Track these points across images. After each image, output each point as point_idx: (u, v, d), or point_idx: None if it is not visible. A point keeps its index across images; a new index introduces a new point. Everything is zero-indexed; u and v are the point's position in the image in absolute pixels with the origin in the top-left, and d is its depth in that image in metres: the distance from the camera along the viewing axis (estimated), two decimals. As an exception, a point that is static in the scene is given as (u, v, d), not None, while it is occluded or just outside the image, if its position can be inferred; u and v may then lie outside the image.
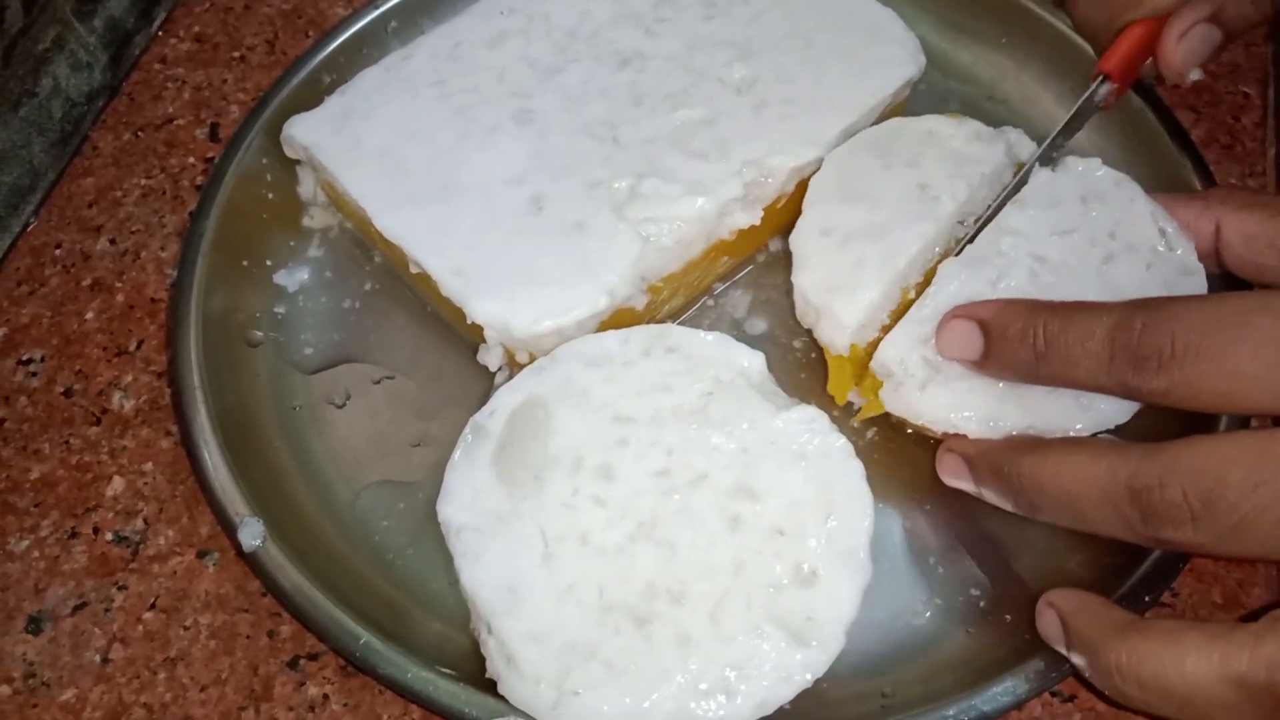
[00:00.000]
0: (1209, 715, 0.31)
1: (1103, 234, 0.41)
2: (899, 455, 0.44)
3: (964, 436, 0.39)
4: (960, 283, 0.40)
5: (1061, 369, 0.35)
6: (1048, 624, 0.36)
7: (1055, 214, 0.42)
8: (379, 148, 0.46)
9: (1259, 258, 0.39)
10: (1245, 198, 0.40)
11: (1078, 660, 0.35)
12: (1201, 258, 0.41)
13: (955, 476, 0.39)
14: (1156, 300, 0.34)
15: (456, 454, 0.39)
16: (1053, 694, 0.40)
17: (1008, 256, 0.41)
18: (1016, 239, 0.41)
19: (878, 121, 0.47)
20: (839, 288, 0.42)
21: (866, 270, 0.42)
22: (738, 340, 0.41)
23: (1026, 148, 0.46)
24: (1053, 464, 0.35)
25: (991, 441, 0.39)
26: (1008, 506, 0.38)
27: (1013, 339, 0.37)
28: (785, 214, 0.48)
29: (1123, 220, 0.42)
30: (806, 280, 0.42)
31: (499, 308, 0.41)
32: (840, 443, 0.38)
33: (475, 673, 0.37)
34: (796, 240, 0.43)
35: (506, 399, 0.40)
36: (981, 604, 0.40)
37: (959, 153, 0.44)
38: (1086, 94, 0.45)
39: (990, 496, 0.38)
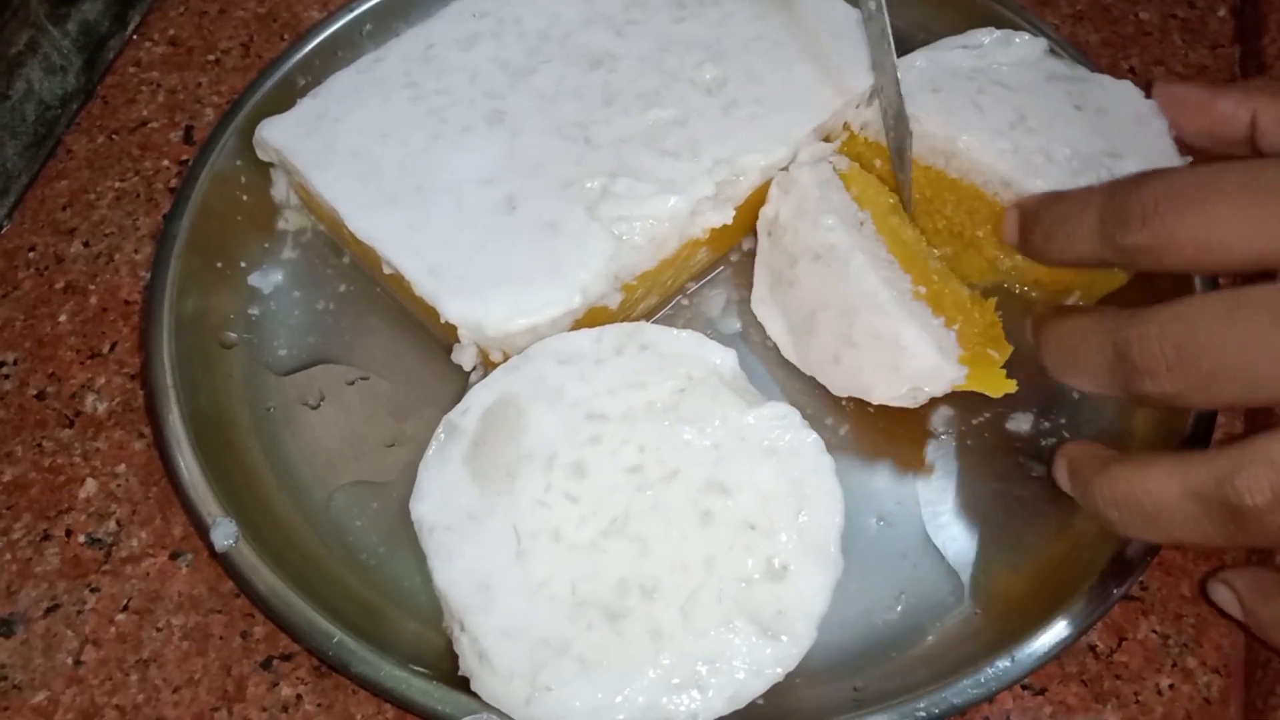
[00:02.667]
0: (1173, 528, 0.34)
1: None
2: (873, 452, 0.44)
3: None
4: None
5: (1067, 243, 0.38)
6: (1059, 470, 0.39)
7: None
8: (351, 150, 0.46)
9: None
10: None
11: (1079, 497, 0.38)
12: (1237, 145, 0.43)
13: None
14: (1140, 173, 0.36)
15: (430, 452, 0.39)
16: (1024, 687, 0.40)
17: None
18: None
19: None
20: (879, 366, 0.42)
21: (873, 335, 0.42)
22: (711, 339, 0.41)
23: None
24: (1062, 329, 0.38)
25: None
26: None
27: (1031, 222, 0.40)
28: (758, 213, 0.48)
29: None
30: (845, 383, 0.44)
31: (472, 307, 0.41)
32: (811, 439, 0.38)
33: (449, 671, 0.37)
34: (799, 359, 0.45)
35: (480, 397, 0.40)
36: (952, 599, 0.41)
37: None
38: None
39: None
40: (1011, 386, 0.40)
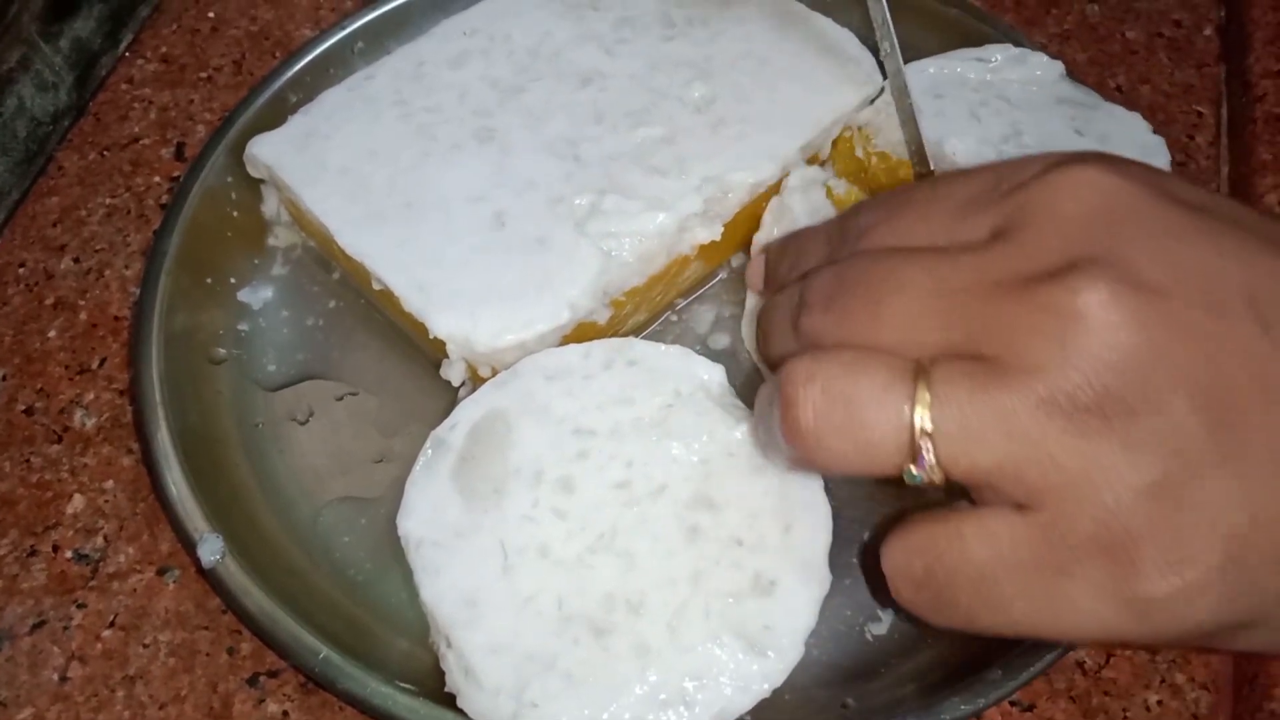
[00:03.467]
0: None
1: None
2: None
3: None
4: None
5: (764, 342, 0.37)
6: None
7: None
8: (341, 166, 0.46)
9: None
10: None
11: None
12: None
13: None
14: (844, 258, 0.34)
15: (417, 468, 0.39)
16: (1012, 703, 0.40)
17: None
18: None
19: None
20: None
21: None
22: (700, 354, 0.41)
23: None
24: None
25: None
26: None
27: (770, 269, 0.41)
28: (747, 230, 0.49)
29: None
30: None
31: (460, 322, 0.42)
32: (799, 454, 0.38)
33: (437, 688, 0.36)
34: None
35: (467, 413, 0.40)
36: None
37: None
38: None
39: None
40: None
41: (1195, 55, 0.59)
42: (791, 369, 0.30)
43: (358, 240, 0.44)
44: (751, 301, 0.46)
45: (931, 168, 0.43)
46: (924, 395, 0.28)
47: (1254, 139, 0.53)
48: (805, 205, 0.44)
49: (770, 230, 0.45)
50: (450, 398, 0.44)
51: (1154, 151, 0.45)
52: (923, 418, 0.28)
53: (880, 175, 0.48)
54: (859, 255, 0.33)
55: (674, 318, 0.48)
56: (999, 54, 0.49)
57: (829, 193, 0.45)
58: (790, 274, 0.38)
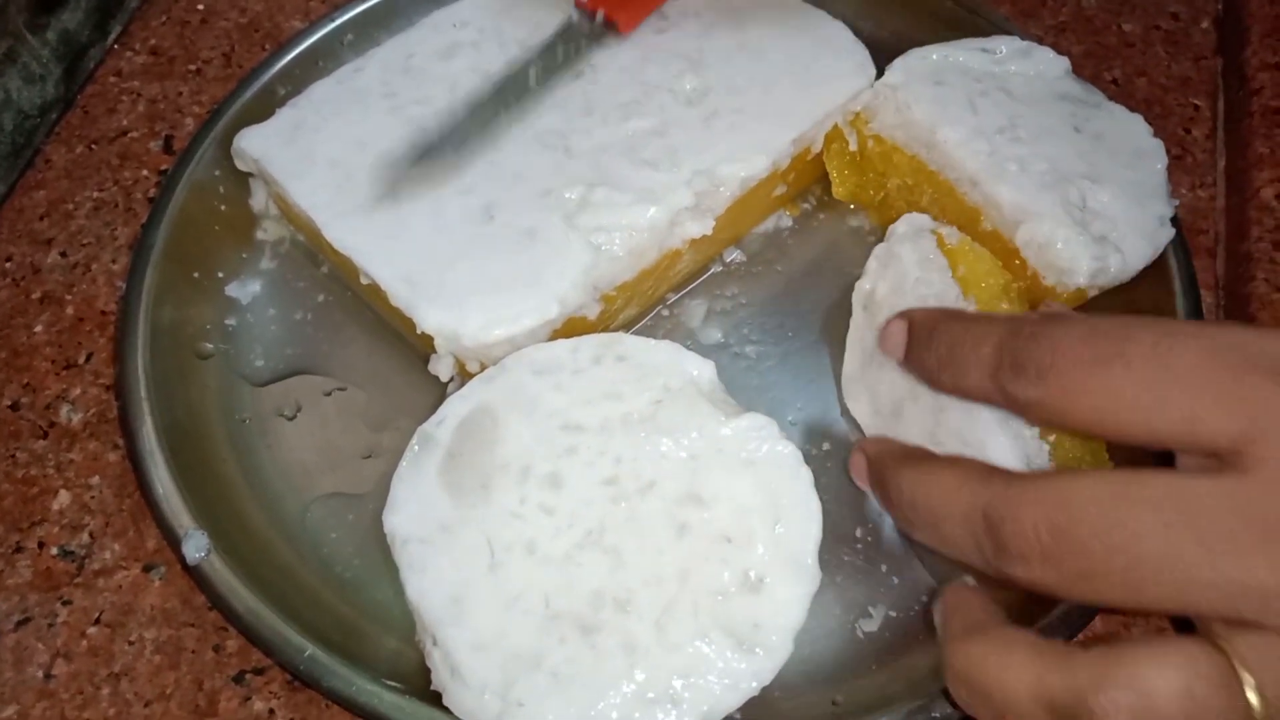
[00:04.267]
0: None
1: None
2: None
3: (881, 437, 0.39)
4: None
5: (957, 375, 0.35)
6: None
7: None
8: (329, 159, 0.46)
9: None
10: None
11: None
12: None
13: (858, 475, 0.38)
14: (1048, 315, 0.33)
15: (403, 464, 0.38)
16: (1003, 700, 0.39)
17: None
18: None
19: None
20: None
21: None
22: (692, 349, 0.41)
23: None
24: (925, 481, 0.34)
25: (884, 445, 0.38)
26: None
27: (923, 342, 0.36)
28: (739, 224, 0.48)
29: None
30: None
31: (448, 317, 0.41)
32: (789, 450, 0.38)
33: (424, 686, 0.36)
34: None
35: (455, 408, 0.39)
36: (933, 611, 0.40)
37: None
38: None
39: (883, 505, 0.37)
40: None
41: (1192, 48, 0.59)
42: (1112, 703, 0.28)
43: (345, 234, 0.43)
44: (853, 365, 0.44)
45: None
46: (1247, 679, 0.28)
47: (1251, 132, 0.52)
48: (915, 254, 0.42)
49: (876, 278, 0.43)
50: (439, 393, 0.44)
51: (1151, 155, 0.45)
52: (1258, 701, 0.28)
53: (876, 161, 0.47)
54: (1079, 483, 0.30)
55: (665, 312, 0.48)
56: (1005, 45, 0.48)
57: (940, 241, 0.43)
58: (943, 376, 0.35)
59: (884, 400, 0.42)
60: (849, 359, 0.44)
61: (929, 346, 0.36)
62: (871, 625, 0.40)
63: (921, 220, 0.43)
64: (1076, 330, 0.31)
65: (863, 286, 0.44)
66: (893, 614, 0.41)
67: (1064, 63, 0.48)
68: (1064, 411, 0.31)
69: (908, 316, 0.38)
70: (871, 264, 0.43)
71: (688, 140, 0.45)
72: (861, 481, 0.38)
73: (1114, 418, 0.30)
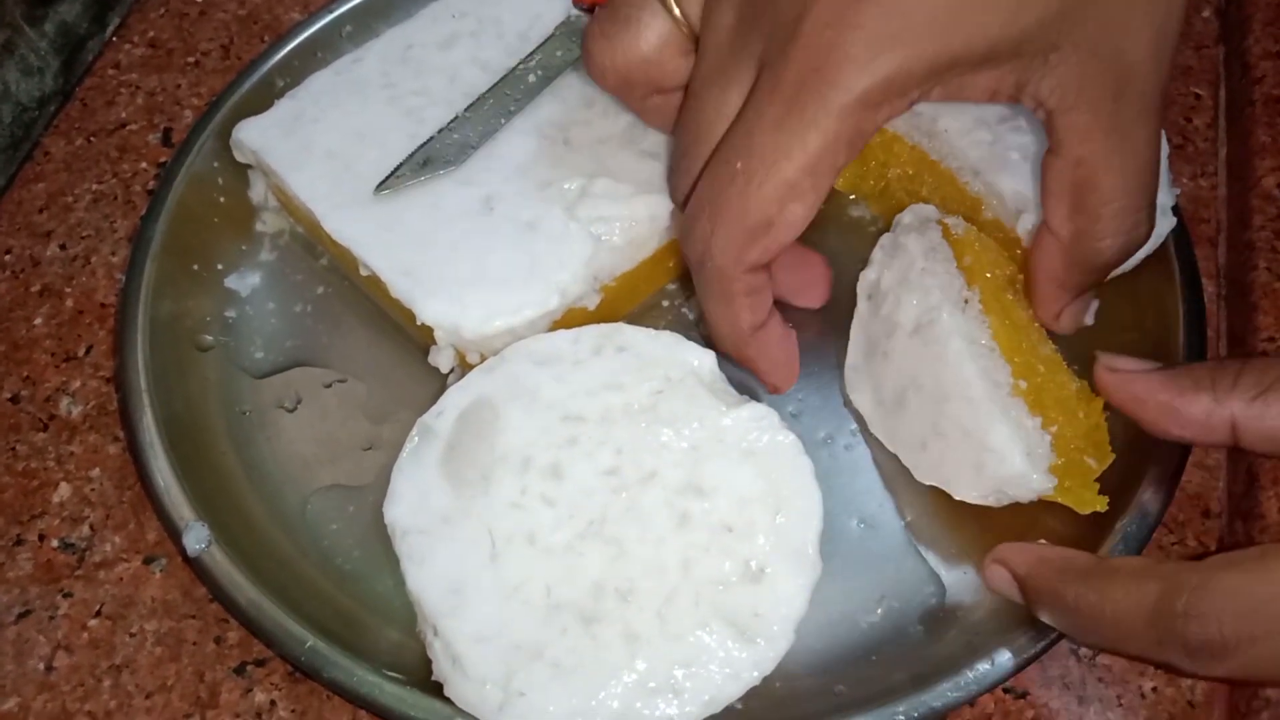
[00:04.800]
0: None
1: None
2: (856, 454, 0.44)
3: (1012, 546, 0.37)
4: None
5: (1106, 642, 0.34)
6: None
7: None
8: (328, 150, 0.45)
9: None
10: (1257, 379, 0.34)
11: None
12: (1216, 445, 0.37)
13: (1001, 586, 0.37)
14: (1196, 575, 0.31)
15: (403, 456, 0.38)
16: (1005, 690, 0.39)
17: None
18: None
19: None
20: (963, 463, 0.39)
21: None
22: (691, 340, 0.40)
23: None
24: (1095, 594, 0.33)
25: (1037, 557, 0.36)
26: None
27: (1046, 603, 0.35)
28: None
29: None
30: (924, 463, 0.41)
31: (448, 308, 0.41)
32: (790, 440, 0.38)
33: (426, 677, 0.36)
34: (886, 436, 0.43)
35: (455, 399, 0.39)
36: (934, 601, 0.40)
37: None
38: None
39: (1046, 619, 0.36)
40: (1101, 505, 0.37)
41: (1194, 37, 0.59)
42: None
43: (344, 225, 0.43)
44: (856, 355, 0.44)
45: None
46: None
47: (1253, 121, 0.52)
48: (921, 244, 0.41)
49: (881, 268, 0.42)
50: (440, 384, 0.44)
51: None
52: None
53: (876, 150, 0.47)
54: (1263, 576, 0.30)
55: (665, 303, 0.48)
56: None
57: (945, 231, 0.42)
58: (1084, 636, 0.35)
59: (886, 391, 0.42)
60: (852, 349, 0.44)
61: (1053, 608, 0.35)
62: (873, 615, 0.40)
63: (927, 210, 0.43)
64: (1239, 598, 0.30)
65: (867, 276, 0.43)
66: (894, 604, 0.40)
67: None
68: (1257, 678, 0.31)
69: (1003, 561, 0.37)
70: (877, 254, 0.43)
71: (688, 130, 0.45)
72: (1007, 591, 0.37)
73: None
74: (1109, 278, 0.42)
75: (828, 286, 0.44)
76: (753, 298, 0.37)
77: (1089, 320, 0.42)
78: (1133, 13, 0.34)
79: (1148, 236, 0.37)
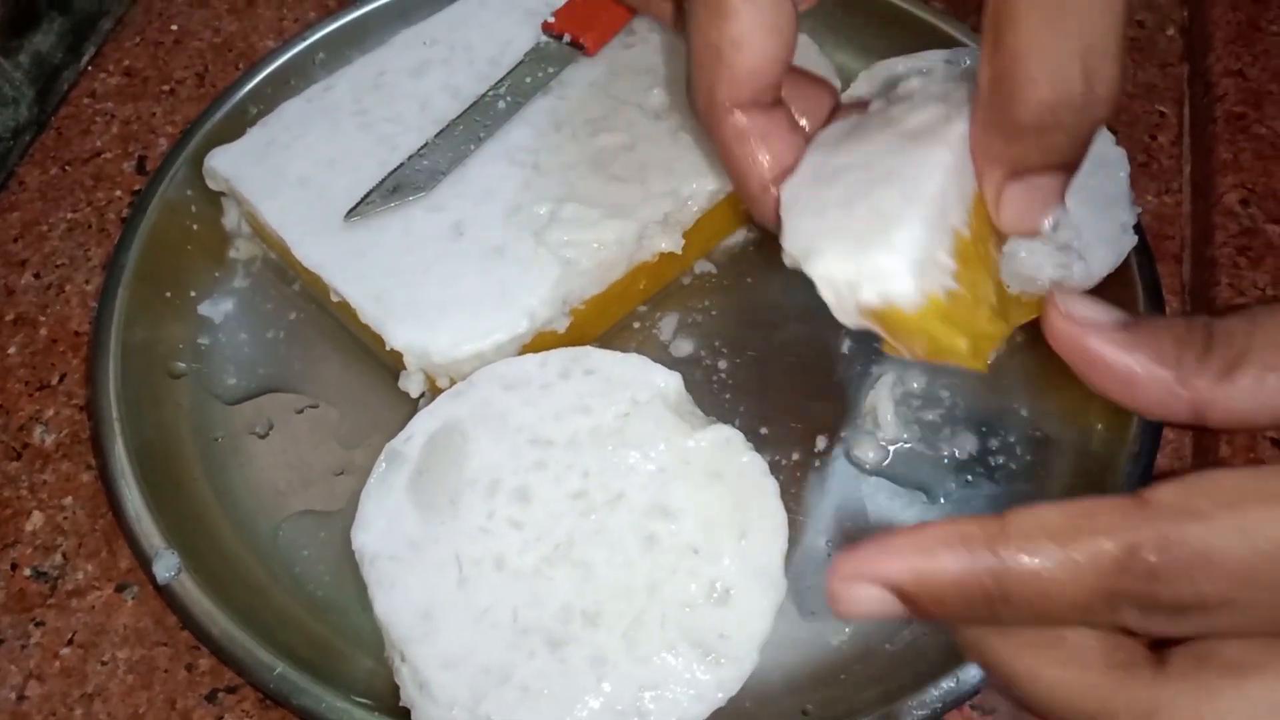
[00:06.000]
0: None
1: None
2: (825, 474, 0.44)
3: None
4: None
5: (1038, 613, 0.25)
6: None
7: None
8: (300, 177, 0.46)
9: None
10: (1224, 349, 0.27)
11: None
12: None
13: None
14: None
15: (371, 481, 0.38)
16: (972, 707, 0.40)
17: None
18: None
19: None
20: (848, 233, 0.32)
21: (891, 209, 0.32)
22: (663, 362, 0.41)
23: None
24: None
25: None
26: None
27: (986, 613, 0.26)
28: (708, 237, 0.49)
29: None
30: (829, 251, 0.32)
31: (417, 334, 0.41)
32: (755, 461, 0.38)
33: (396, 704, 0.36)
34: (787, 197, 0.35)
35: (423, 424, 0.39)
36: (902, 620, 0.41)
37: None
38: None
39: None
40: (980, 365, 0.32)
41: (1158, 55, 0.59)
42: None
43: (314, 251, 0.44)
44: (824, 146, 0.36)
45: None
46: None
47: (1214, 138, 0.53)
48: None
49: (913, 79, 0.37)
50: (411, 409, 0.44)
51: (1114, 163, 0.45)
52: None
53: None
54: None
55: (636, 325, 0.48)
56: (968, 57, 0.48)
57: None
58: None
59: (829, 168, 0.35)
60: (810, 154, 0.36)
61: (965, 601, 0.26)
62: (841, 635, 0.41)
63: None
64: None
65: (882, 73, 0.46)
66: (863, 624, 0.41)
67: None
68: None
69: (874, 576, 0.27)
70: (910, 63, 0.46)
71: (656, 155, 0.46)
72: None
73: None
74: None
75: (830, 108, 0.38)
76: (753, 145, 0.34)
77: (1046, 226, 0.33)
78: None
79: (1097, 104, 0.30)
